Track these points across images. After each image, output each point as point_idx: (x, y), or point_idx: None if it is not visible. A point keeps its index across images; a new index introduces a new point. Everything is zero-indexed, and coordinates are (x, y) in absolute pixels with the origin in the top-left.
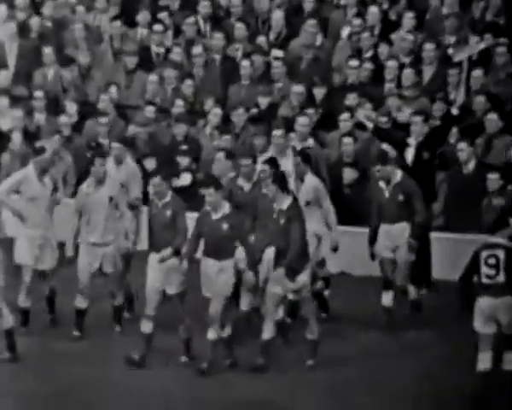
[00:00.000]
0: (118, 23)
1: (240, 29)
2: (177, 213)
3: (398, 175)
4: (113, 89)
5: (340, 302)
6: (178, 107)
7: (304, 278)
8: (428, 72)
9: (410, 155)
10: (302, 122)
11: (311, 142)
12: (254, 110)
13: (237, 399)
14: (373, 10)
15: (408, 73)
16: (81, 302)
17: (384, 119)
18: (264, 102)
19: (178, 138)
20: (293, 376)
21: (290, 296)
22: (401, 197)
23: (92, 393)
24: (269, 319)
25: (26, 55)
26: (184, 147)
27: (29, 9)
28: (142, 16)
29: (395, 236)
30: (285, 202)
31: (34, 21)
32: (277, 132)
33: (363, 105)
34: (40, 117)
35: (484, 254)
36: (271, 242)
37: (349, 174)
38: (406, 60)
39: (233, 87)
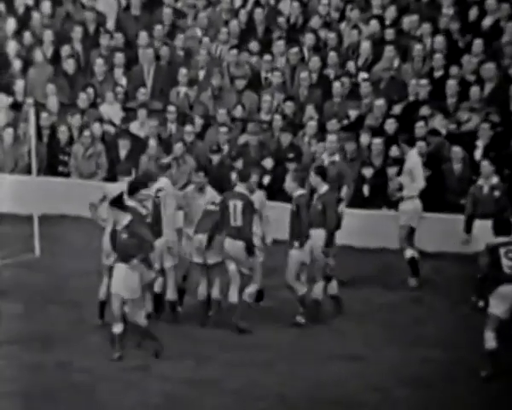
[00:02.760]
0: (234, 51)
1: (332, 57)
2: None
3: (324, 188)
4: (239, 108)
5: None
6: (277, 121)
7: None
8: (488, 87)
9: (478, 155)
10: (331, 139)
11: (337, 157)
12: (345, 121)
13: None
14: (439, 39)
15: (475, 90)
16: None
17: (454, 126)
18: (353, 114)
19: (284, 145)
20: None
21: None
22: (320, 207)
23: None
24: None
25: (161, 76)
26: (291, 154)
27: (164, 38)
28: (253, 46)
29: (315, 240)
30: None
31: (164, 51)
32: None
33: (435, 115)
34: (172, 127)
35: (502, 250)
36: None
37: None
38: (472, 78)
39: (327, 103)
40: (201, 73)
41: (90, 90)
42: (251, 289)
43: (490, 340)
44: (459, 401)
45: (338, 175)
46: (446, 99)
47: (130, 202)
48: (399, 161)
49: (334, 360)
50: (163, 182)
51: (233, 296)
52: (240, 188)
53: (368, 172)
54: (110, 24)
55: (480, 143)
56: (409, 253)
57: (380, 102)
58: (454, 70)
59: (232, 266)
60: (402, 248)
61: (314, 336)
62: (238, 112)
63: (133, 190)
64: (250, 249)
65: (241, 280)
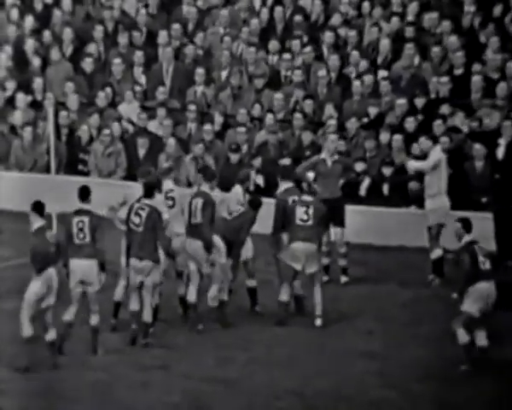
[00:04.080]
0: (252, 49)
1: (355, 55)
2: None
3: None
4: (257, 106)
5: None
6: (297, 119)
7: None
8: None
9: (500, 152)
10: (332, 139)
11: (336, 156)
12: (365, 119)
13: None
14: (452, 40)
15: (502, 87)
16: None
17: (476, 124)
18: (373, 112)
19: (305, 143)
20: None
21: None
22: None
23: None
24: None
25: (180, 75)
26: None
27: (181, 37)
28: (272, 45)
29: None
30: None
31: (189, 50)
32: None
33: (456, 113)
34: (192, 126)
35: (477, 247)
36: None
37: None
38: (495, 75)
39: (346, 102)
40: (224, 74)
41: (109, 89)
42: (212, 292)
43: (462, 335)
44: (478, 398)
45: (345, 169)
46: (468, 96)
47: (85, 206)
48: (420, 159)
49: (352, 358)
50: (170, 184)
51: (191, 296)
52: (204, 187)
53: (387, 170)
54: (140, 19)
55: (503, 141)
56: (437, 253)
57: (401, 101)
58: (477, 67)
59: (192, 266)
60: (431, 247)
61: (333, 333)
62: (256, 111)
63: (84, 196)
64: (208, 248)
65: (201, 280)
